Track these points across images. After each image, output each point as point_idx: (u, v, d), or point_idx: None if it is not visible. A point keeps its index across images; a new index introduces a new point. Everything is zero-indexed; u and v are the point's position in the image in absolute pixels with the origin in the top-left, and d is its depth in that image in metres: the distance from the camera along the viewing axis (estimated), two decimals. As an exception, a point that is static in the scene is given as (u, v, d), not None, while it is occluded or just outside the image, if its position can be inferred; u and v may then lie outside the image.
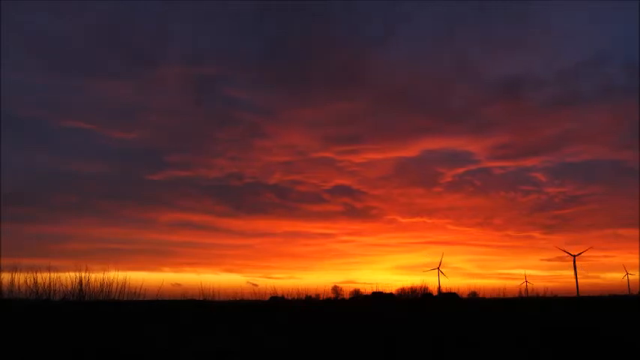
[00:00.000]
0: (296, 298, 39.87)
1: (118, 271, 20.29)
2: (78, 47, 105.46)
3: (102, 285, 19.74)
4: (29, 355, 10.90)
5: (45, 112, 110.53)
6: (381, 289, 66.68)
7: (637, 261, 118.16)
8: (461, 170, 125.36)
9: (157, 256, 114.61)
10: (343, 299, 59.56)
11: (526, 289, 71.63)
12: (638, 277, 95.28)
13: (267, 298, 42.10)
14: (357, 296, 59.38)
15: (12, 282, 18.48)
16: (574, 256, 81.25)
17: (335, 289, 67.22)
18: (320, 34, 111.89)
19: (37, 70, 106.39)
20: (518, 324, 19.53)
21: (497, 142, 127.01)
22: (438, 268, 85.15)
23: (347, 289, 67.72)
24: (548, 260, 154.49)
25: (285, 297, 41.72)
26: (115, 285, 19.99)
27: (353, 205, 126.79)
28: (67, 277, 19.34)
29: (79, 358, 10.80)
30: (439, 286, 75.03)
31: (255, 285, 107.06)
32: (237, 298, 37.79)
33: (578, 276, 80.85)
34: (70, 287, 19.27)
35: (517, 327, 18.00)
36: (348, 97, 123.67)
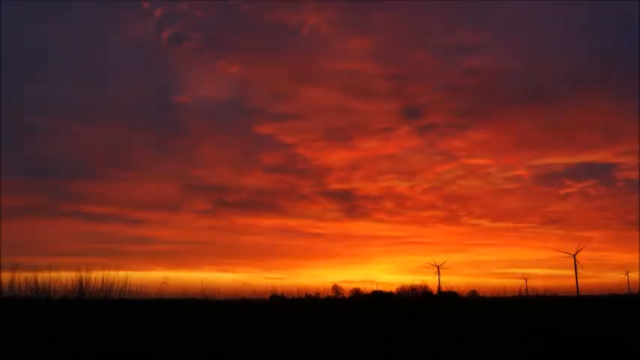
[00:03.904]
0: (296, 297, 39.98)
1: (119, 270, 20.37)
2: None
3: (102, 284, 19.81)
4: (29, 354, 10.90)
5: None
6: (380, 288, 66.77)
7: (636, 260, 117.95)
8: (443, 168, 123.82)
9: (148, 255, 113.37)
10: (343, 298, 59.59)
11: (526, 289, 71.53)
12: (638, 276, 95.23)
13: (268, 296, 42.20)
14: (357, 295, 59.43)
15: (12, 280, 18.54)
16: (574, 255, 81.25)
17: (335, 288, 67.27)
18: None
19: None
20: (518, 324, 19.52)
21: (476, 137, 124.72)
22: (438, 268, 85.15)
23: (346, 288, 67.73)
24: (545, 260, 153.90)
25: (286, 296, 41.83)
26: (115, 284, 20.06)
27: (340, 204, 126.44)
28: (67, 276, 19.41)
29: (79, 357, 10.81)
30: (439, 286, 75.00)
31: (246, 284, 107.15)
32: (238, 297, 37.94)
33: (578, 275, 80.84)
34: (70, 286, 19.33)
35: (517, 327, 17.99)
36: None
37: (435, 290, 69.89)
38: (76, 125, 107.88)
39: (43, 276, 18.99)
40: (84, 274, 19.62)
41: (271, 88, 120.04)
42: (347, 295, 62.46)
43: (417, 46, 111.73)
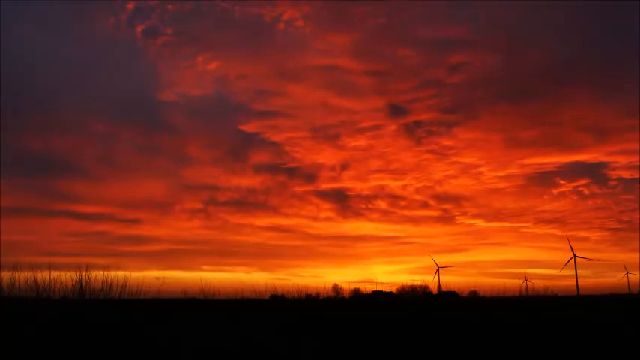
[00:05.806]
0: (296, 296, 39.94)
1: (118, 270, 20.33)
2: None
3: (103, 284, 19.77)
4: (29, 354, 10.90)
5: None
6: (380, 288, 66.82)
7: (636, 260, 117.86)
8: (434, 167, 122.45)
9: (145, 255, 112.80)
10: (343, 298, 59.59)
11: (526, 289, 71.56)
12: (638, 276, 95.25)
13: (268, 296, 42.15)
14: (357, 295, 59.45)
15: (12, 280, 18.52)
16: (574, 254, 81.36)
17: (335, 287, 67.30)
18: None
19: None
20: (518, 324, 19.53)
21: (464, 135, 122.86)
22: (438, 268, 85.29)
23: (346, 287, 67.85)
24: (544, 259, 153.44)
25: (286, 295, 41.79)
26: (115, 284, 20.02)
27: (333, 204, 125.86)
28: (67, 275, 19.37)
29: (79, 358, 10.80)
30: (439, 285, 75.04)
31: (245, 283, 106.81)
32: (238, 297, 37.97)
33: (578, 275, 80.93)
34: (70, 286, 19.30)
35: (517, 327, 18.01)
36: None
37: (435, 290, 70.04)
38: (72, 125, 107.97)
39: (43, 276, 18.95)
40: (84, 274, 19.58)
41: (254, 85, 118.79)
42: (347, 294, 62.54)
43: (397, 41, 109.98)
